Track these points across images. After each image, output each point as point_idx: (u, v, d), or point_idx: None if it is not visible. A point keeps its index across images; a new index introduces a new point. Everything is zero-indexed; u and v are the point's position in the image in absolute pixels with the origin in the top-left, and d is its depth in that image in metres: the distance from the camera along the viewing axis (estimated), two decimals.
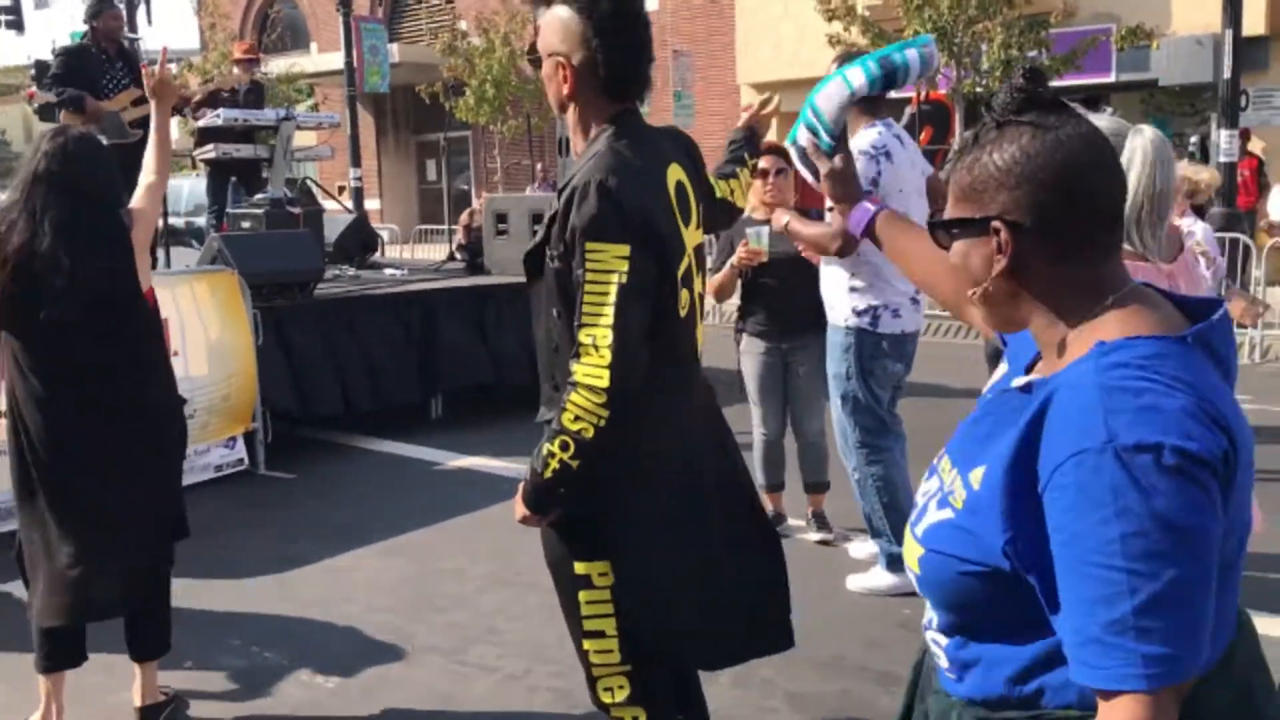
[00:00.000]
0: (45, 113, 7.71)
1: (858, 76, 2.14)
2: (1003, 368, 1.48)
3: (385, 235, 15.59)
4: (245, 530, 5.22)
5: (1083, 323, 1.26)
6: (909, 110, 14.49)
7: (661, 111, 18.51)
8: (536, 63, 2.18)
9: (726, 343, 5.07)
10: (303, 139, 10.77)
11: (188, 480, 3.88)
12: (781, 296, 4.66)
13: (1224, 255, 5.19)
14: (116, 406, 3.07)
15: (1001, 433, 1.24)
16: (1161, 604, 1.08)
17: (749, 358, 4.83)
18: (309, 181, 10.29)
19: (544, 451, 1.99)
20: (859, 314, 4.12)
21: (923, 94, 14.36)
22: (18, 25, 18.55)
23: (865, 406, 4.15)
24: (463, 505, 5.54)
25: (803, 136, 2.07)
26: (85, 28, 7.92)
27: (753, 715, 3.36)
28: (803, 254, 4.32)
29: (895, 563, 4.23)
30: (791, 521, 4.98)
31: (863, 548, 4.64)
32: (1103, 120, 2.34)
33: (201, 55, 23.67)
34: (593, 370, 1.92)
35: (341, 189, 17.19)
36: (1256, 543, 1.49)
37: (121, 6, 11.05)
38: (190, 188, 16.75)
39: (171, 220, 11.08)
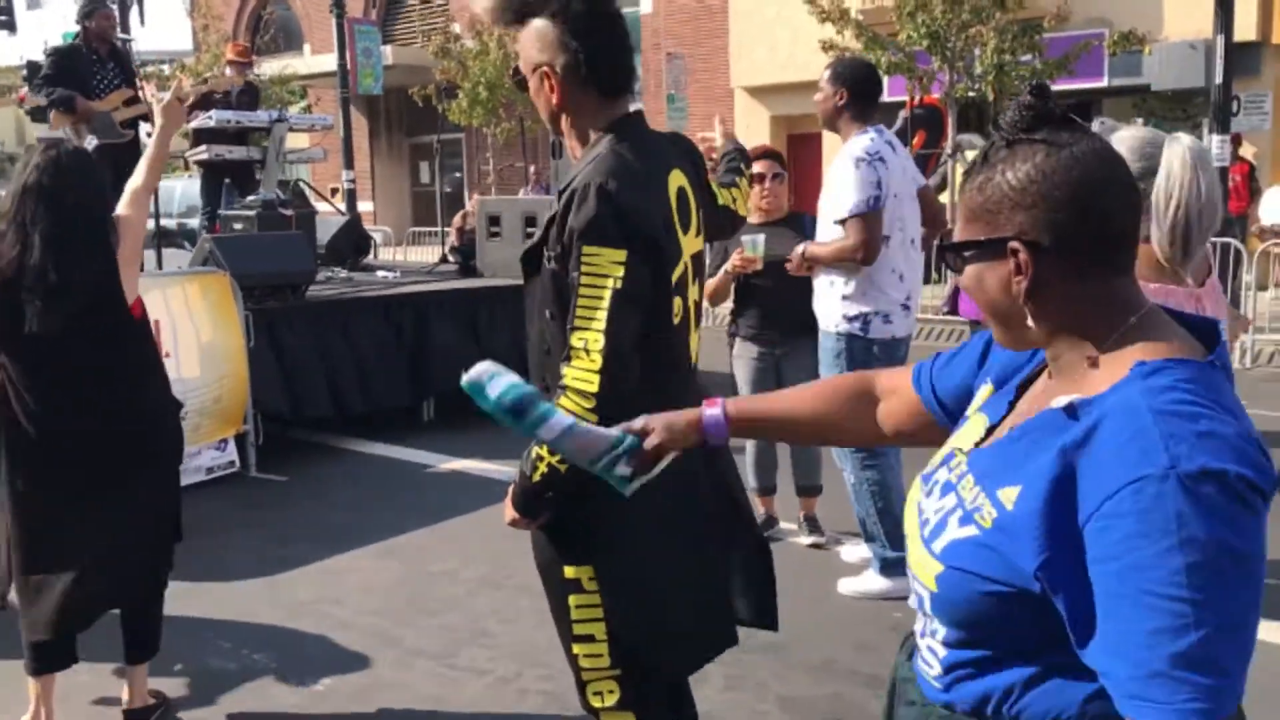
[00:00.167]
0: (37, 114, 7.70)
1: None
2: (985, 391, 1.46)
3: (378, 237, 15.58)
4: (236, 532, 5.21)
5: (1110, 343, 1.24)
6: (902, 115, 14.55)
7: (655, 115, 18.51)
8: (522, 84, 2.16)
9: (720, 346, 5.07)
10: (295, 141, 10.77)
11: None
12: (774, 301, 4.66)
13: (1216, 260, 5.21)
14: (114, 409, 3.07)
15: (1037, 454, 1.20)
16: (1225, 633, 1.07)
17: (741, 361, 4.83)
18: (301, 183, 10.28)
19: (533, 455, 1.98)
20: (850, 320, 4.13)
21: (916, 98, 14.41)
22: (10, 26, 18.48)
23: None
24: (454, 508, 5.53)
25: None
26: (78, 28, 7.91)
27: (745, 718, 3.36)
28: (791, 271, 4.31)
29: (888, 567, 4.23)
30: (784, 525, 4.98)
31: (855, 551, 4.64)
32: (1137, 129, 2.31)
33: (194, 57, 23.63)
34: (583, 374, 1.91)
35: (334, 191, 17.16)
36: None
37: (114, 7, 11.02)
38: (183, 189, 16.72)
39: (164, 222, 11.08)
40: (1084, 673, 1.18)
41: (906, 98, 14.54)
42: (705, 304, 2.45)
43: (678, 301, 2.09)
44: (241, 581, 4.58)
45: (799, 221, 4.75)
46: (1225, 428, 1.12)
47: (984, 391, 1.46)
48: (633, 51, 2.17)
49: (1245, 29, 12.92)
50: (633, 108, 2.19)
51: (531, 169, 18.96)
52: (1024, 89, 1.30)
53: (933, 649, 1.34)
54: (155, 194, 3.51)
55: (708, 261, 4.93)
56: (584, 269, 1.93)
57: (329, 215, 10.31)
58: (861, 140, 4.08)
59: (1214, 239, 2.56)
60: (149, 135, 3.43)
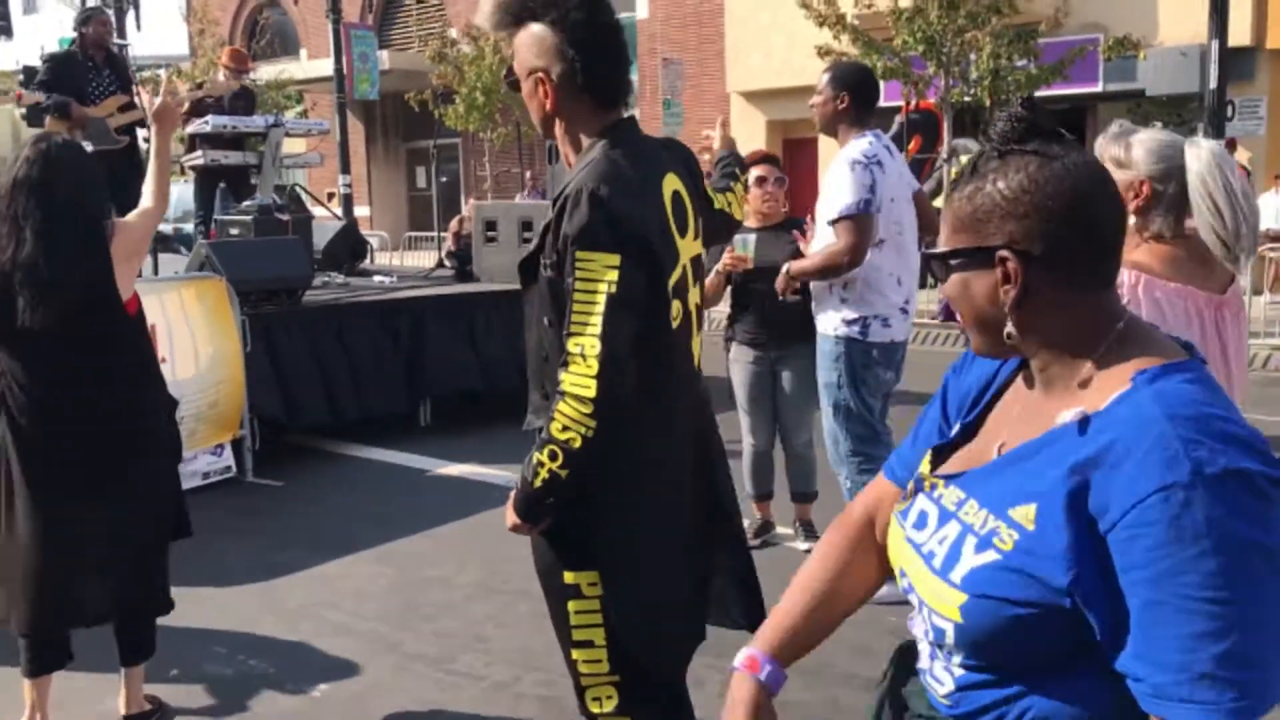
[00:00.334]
0: (33, 118, 7.69)
1: None
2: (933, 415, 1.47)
3: (374, 242, 15.56)
4: (232, 538, 5.20)
5: (1100, 353, 1.25)
6: (898, 119, 14.57)
7: (651, 120, 18.53)
8: (515, 85, 2.15)
9: (716, 350, 5.07)
10: (292, 146, 10.76)
11: None
12: (770, 305, 4.66)
13: None
14: (114, 409, 3.07)
15: (1048, 470, 1.21)
16: (1263, 629, 1.09)
17: (737, 366, 4.84)
18: (298, 188, 10.27)
19: (534, 460, 1.99)
20: (849, 324, 4.14)
21: (912, 103, 14.43)
22: (6, 31, 18.46)
23: (857, 415, 4.15)
24: (451, 513, 5.53)
25: None
26: (74, 34, 7.90)
27: None
28: (779, 291, 4.29)
29: None
30: (780, 530, 4.98)
31: None
32: (1155, 132, 2.31)
33: (190, 62, 23.62)
34: (580, 380, 1.91)
35: (331, 196, 17.17)
36: None
37: (110, 13, 11.02)
38: (178, 194, 16.62)
39: (159, 227, 11.05)
40: (1093, 689, 1.20)
41: (902, 103, 14.56)
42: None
43: (676, 305, 2.09)
44: (238, 587, 4.57)
45: (795, 226, 4.75)
46: (1235, 428, 1.14)
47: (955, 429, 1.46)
48: (630, 63, 2.17)
49: (1239, 34, 12.95)
50: (627, 114, 2.19)
51: (528, 174, 18.96)
52: (1016, 98, 1.31)
53: (948, 670, 1.32)
54: None
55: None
56: (578, 274, 1.93)
57: (325, 220, 10.31)
58: (860, 144, 4.09)
59: None
60: (145, 141, 3.43)
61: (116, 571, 3.12)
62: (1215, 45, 11.29)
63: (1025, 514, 1.21)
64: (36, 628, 3.08)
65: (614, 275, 1.91)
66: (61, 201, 2.97)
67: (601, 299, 1.91)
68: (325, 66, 18.73)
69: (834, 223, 4.05)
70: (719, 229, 2.59)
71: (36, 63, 8.05)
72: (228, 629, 4.13)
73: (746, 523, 4.79)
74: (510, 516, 2.08)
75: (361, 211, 21.27)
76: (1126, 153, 2.29)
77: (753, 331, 4.77)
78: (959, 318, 1.36)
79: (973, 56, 13.26)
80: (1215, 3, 11.23)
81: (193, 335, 5.92)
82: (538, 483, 1.98)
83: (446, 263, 10.21)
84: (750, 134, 17.52)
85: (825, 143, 4.41)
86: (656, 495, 2.12)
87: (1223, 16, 11.19)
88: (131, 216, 3.22)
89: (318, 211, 10.39)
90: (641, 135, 2.19)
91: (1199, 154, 2.18)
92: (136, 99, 7.65)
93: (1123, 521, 1.12)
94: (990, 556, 1.23)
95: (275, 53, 24.47)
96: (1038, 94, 13.64)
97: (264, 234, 7.62)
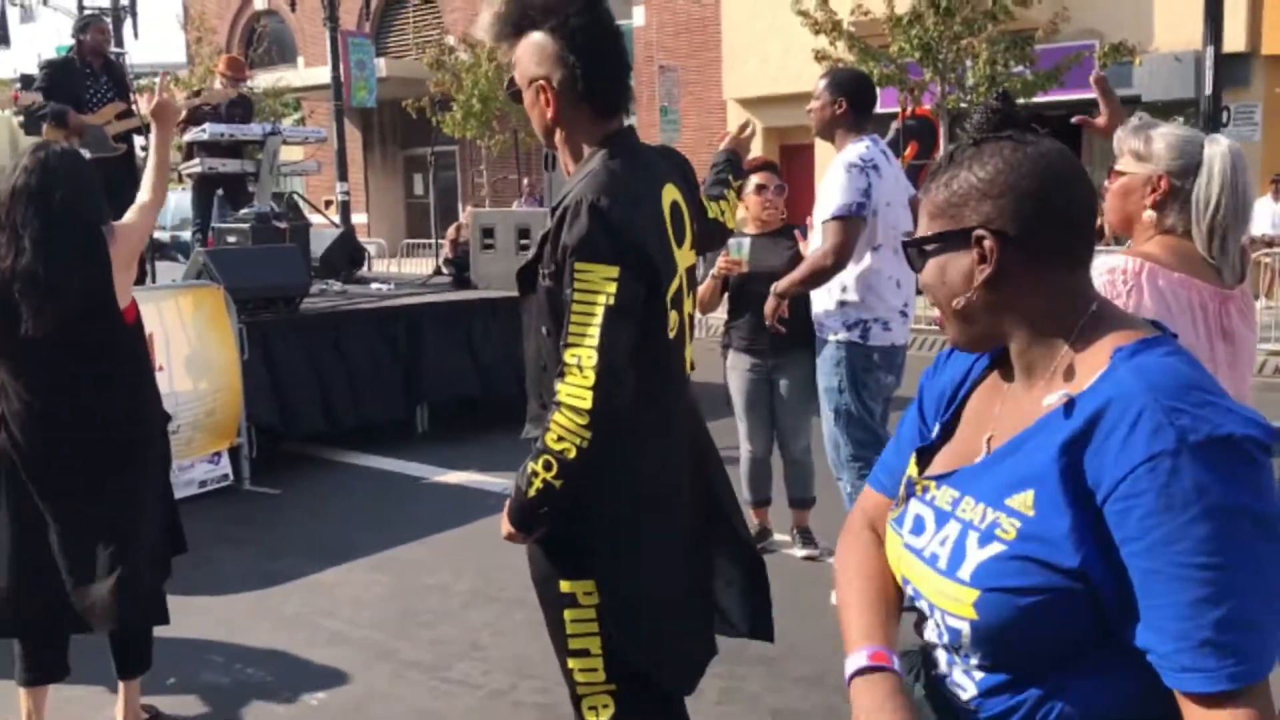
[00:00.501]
0: (31, 125, 7.69)
1: None
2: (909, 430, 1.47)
3: (372, 249, 15.58)
4: (229, 546, 5.19)
5: (1076, 334, 1.26)
6: (894, 125, 14.58)
7: (648, 127, 18.55)
8: (516, 96, 2.15)
9: (713, 357, 5.07)
10: (289, 153, 10.78)
11: None
12: None
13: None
14: (113, 417, 3.07)
15: (1038, 455, 1.22)
16: (1260, 593, 1.11)
17: (735, 373, 4.83)
18: (296, 196, 10.28)
19: (528, 470, 1.98)
20: (849, 327, 4.14)
21: (908, 109, 14.45)
22: (4, 39, 18.50)
23: (858, 419, 4.15)
24: (448, 520, 5.52)
25: None
26: (71, 41, 7.91)
27: None
28: (770, 318, 4.26)
29: None
30: (777, 537, 4.98)
31: None
32: (1176, 127, 2.31)
33: (188, 69, 23.64)
34: (576, 390, 1.91)
35: (328, 203, 17.15)
36: None
37: (108, 21, 11.02)
38: (176, 202, 16.65)
39: (157, 234, 11.05)
40: (1116, 676, 1.21)
41: (898, 109, 14.59)
42: (699, 316, 2.46)
43: (673, 315, 2.09)
44: (234, 595, 4.56)
45: (792, 233, 4.76)
46: (1215, 395, 1.16)
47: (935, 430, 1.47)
48: (630, 69, 2.17)
49: (1234, 40, 13.00)
50: (626, 122, 2.19)
51: (525, 181, 18.98)
52: (993, 96, 1.34)
53: (969, 674, 1.32)
54: None
55: (701, 271, 4.94)
56: (577, 285, 1.93)
57: (323, 228, 10.31)
58: (857, 148, 4.09)
59: None
60: (143, 149, 3.44)
61: (113, 578, 3.11)
62: (1210, 51, 11.32)
63: (1023, 501, 1.22)
64: (28, 633, 3.07)
65: (612, 287, 1.91)
66: (60, 210, 2.97)
67: (600, 310, 1.91)
68: (323, 74, 18.75)
69: (825, 223, 4.06)
70: (712, 237, 2.58)
71: (34, 70, 8.05)
72: (224, 637, 4.12)
73: None
74: (505, 526, 2.07)
75: (359, 219, 21.29)
76: (1147, 146, 2.26)
77: (750, 338, 4.76)
78: (937, 309, 1.36)
79: (969, 63, 13.29)
80: (1210, 9, 11.26)
81: (189, 343, 5.92)
82: (532, 492, 1.98)
83: (444, 270, 10.21)
84: (741, 149, 17.52)
85: (822, 149, 4.43)
86: (652, 504, 2.12)
87: (1217, 23, 11.22)
88: (129, 215, 3.21)
89: (315, 219, 10.39)
90: (641, 145, 2.18)
91: (1218, 151, 2.18)
92: (134, 106, 7.66)
93: (1115, 494, 1.14)
94: (995, 549, 1.23)
95: (273, 60, 24.50)
96: (1034, 100, 13.69)
97: (261, 242, 7.62)
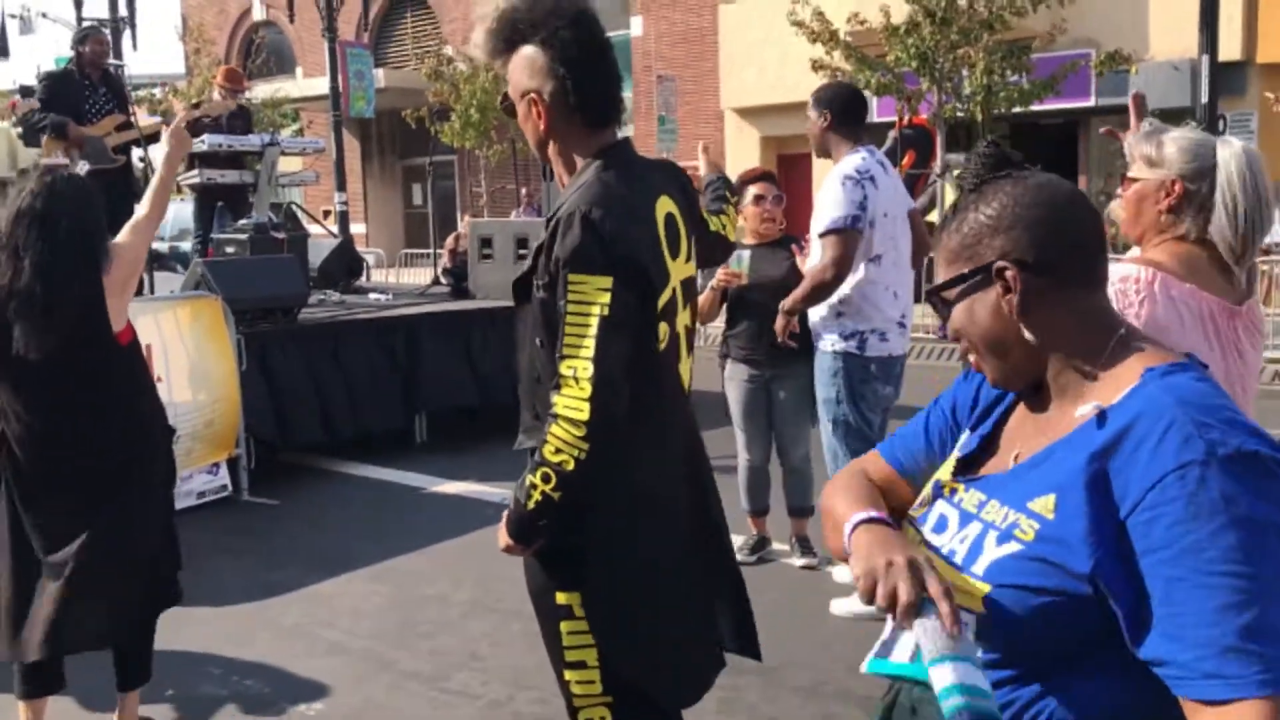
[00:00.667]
0: (30, 137, 7.71)
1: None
2: (964, 436, 1.49)
3: (371, 259, 15.58)
4: (228, 557, 5.19)
5: (1105, 357, 1.30)
6: (891, 135, 14.63)
7: (645, 136, 18.59)
8: (510, 110, 2.17)
9: (712, 366, 5.08)
10: (288, 164, 10.78)
11: None
12: (765, 322, 4.67)
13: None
14: (107, 447, 3.07)
15: (1064, 462, 1.25)
16: None
17: (733, 383, 4.84)
18: (294, 206, 10.29)
19: (527, 483, 1.99)
20: (846, 338, 4.15)
21: (905, 118, 14.49)
22: (3, 51, 18.54)
23: (856, 430, 4.16)
24: (446, 530, 5.52)
25: None
26: (70, 53, 7.93)
27: None
28: (781, 337, 4.27)
29: None
30: (776, 546, 4.98)
31: (847, 572, 4.61)
32: (1188, 131, 2.29)
33: (186, 80, 23.69)
34: (572, 402, 1.92)
35: (327, 213, 17.19)
36: None
37: (107, 33, 11.06)
38: (175, 213, 16.67)
39: (156, 245, 11.06)
40: (1114, 682, 1.22)
41: (896, 118, 14.62)
42: (698, 326, 2.46)
43: (663, 327, 2.10)
44: (233, 606, 4.56)
45: (791, 243, 4.77)
46: (1242, 416, 1.20)
47: (963, 437, 1.50)
48: (621, 82, 2.19)
49: (1230, 49, 13.03)
50: (622, 133, 2.20)
51: (524, 191, 19.00)
52: (993, 140, 1.40)
53: None
54: None
55: (700, 282, 4.96)
56: (570, 297, 1.94)
57: (321, 238, 10.33)
58: (853, 159, 4.11)
59: None
60: (141, 160, 3.45)
61: (113, 599, 3.11)
62: (1206, 60, 11.36)
63: (1045, 504, 1.25)
64: (33, 649, 3.07)
65: (606, 298, 1.92)
66: (63, 236, 2.98)
67: (594, 321, 1.92)
68: (321, 85, 18.77)
69: (821, 236, 4.07)
70: (715, 250, 2.60)
71: (33, 82, 8.07)
72: (223, 648, 4.12)
73: (742, 539, 4.81)
74: (503, 538, 2.08)
75: (358, 229, 21.31)
76: (1158, 151, 2.25)
77: (748, 348, 4.77)
78: (972, 353, 1.39)
79: (965, 72, 13.32)
80: (1206, 18, 11.30)
81: (188, 354, 5.92)
82: (530, 505, 1.98)
83: (442, 279, 10.22)
84: (744, 150, 17.59)
85: (821, 159, 4.45)
86: (649, 515, 2.12)
87: (1213, 31, 11.26)
88: (124, 233, 3.21)
89: (314, 229, 10.41)
90: (635, 157, 2.19)
91: (1232, 153, 2.17)
92: (132, 118, 7.68)
93: (1143, 503, 1.17)
94: (1012, 548, 1.26)
95: (271, 71, 24.54)
96: (1031, 109, 13.73)
97: (260, 252, 7.63)
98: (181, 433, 5.58)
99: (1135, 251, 2.34)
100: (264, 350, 6.54)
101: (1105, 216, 2.61)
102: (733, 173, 4.46)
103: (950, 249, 1.37)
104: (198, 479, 6.01)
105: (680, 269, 2.17)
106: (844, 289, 4.11)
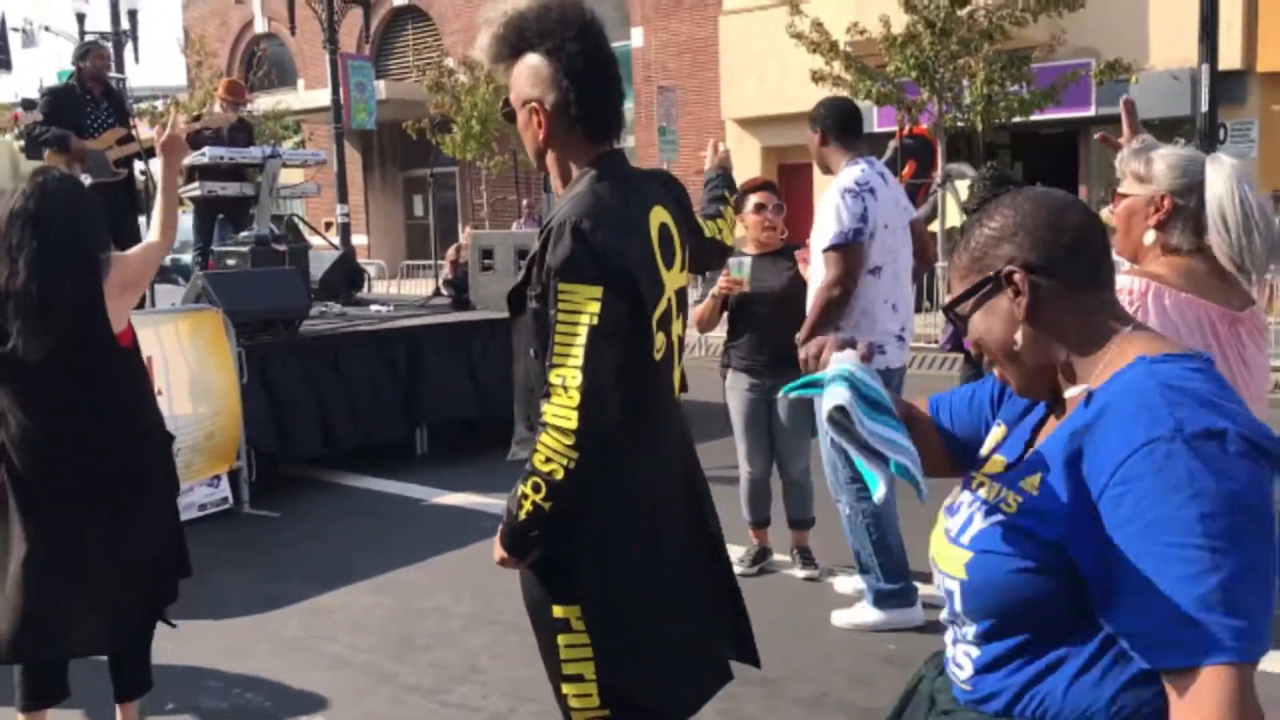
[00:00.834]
0: (32, 150, 7.73)
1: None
2: (998, 432, 1.53)
3: (372, 270, 15.61)
4: (229, 570, 5.19)
5: (1114, 348, 1.34)
6: (892, 145, 14.66)
7: (646, 147, 18.65)
8: (510, 116, 2.18)
9: (713, 376, 5.08)
10: (289, 176, 10.81)
11: None
12: (766, 331, 4.68)
13: None
14: (106, 449, 3.07)
15: (1050, 444, 1.32)
16: (1246, 579, 1.14)
17: (734, 394, 4.83)
18: (296, 218, 10.31)
19: (518, 493, 1.99)
20: None
21: (906, 128, 14.52)
22: (5, 64, 18.61)
23: None
24: (447, 542, 5.51)
25: None
26: (72, 67, 7.96)
27: None
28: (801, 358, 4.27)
29: (882, 598, 4.22)
30: (777, 557, 4.97)
31: (848, 583, 4.63)
32: (1176, 148, 2.33)
33: (188, 93, 23.76)
34: (561, 412, 1.92)
35: (328, 225, 17.24)
36: None
37: (109, 47, 11.09)
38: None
39: None
40: (1113, 665, 1.25)
41: (896, 128, 14.65)
42: (698, 335, 2.45)
43: (660, 337, 2.10)
44: (234, 619, 4.56)
45: (791, 254, 4.77)
46: (1229, 402, 1.22)
47: (997, 433, 1.54)
48: (624, 96, 2.19)
49: (1230, 58, 13.05)
50: (622, 144, 2.20)
51: (525, 202, 19.04)
52: (997, 169, 1.48)
53: (967, 653, 1.40)
54: None
55: (698, 290, 4.94)
56: (560, 306, 1.94)
57: (323, 250, 10.33)
58: (853, 171, 4.11)
59: None
60: (142, 174, 3.45)
61: (112, 602, 3.11)
62: (1206, 69, 11.37)
63: (1032, 482, 1.31)
64: (25, 657, 3.07)
65: (595, 307, 1.92)
66: (56, 235, 2.98)
67: (583, 331, 1.92)
68: (323, 97, 18.82)
69: (824, 252, 4.07)
70: (709, 255, 2.59)
71: (35, 96, 8.10)
72: (223, 662, 4.11)
73: (743, 550, 4.80)
74: (497, 550, 2.07)
75: (359, 240, 21.34)
76: (1147, 168, 2.29)
77: (749, 358, 4.77)
78: (995, 364, 1.44)
79: (965, 82, 13.35)
80: (1205, 27, 11.32)
81: (189, 367, 5.92)
82: (522, 515, 1.98)
83: (443, 291, 10.23)
84: (745, 160, 17.60)
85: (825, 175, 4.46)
86: (643, 524, 2.12)
87: (1213, 40, 11.28)
88: (133, 251, 3.23)
89: (315, 241, 10.41)
90: (629, 168, 2.20)
91: (1220, 170, 2.19)
92: (133, 131, 7.70)
93: (1113, 479, 1.20)
94: (995, 518, 1.33)
95: (273, 83, 24.60)
96: (1031, 119, 13.75)
97: (261, 264, 7.64)
98: (182, 445, 5.59)
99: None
100: (265, 362, 6.54)
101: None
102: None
103: (962, 266, 1.43)
104: (199, 492, 6.00)
105: (674, 279, 2.17)
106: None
